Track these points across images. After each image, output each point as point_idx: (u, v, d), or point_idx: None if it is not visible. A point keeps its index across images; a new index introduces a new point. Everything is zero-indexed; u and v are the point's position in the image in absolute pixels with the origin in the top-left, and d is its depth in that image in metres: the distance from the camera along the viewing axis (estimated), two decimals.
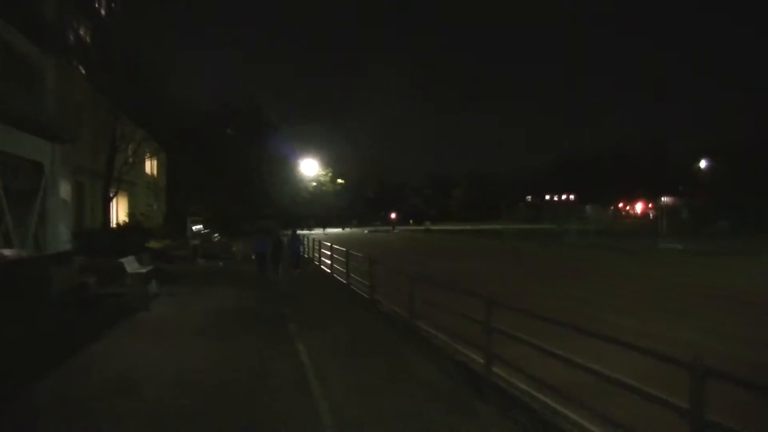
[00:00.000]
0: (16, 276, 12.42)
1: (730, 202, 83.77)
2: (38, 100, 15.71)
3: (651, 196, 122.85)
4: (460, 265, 26.21)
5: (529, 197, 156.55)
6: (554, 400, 6.21)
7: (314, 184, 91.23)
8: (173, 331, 11.16)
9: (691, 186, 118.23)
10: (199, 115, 57.61)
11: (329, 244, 22.34)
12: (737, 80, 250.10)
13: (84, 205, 24.91)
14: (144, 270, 17.99)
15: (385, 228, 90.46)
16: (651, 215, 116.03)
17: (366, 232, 78.57)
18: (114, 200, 27.12)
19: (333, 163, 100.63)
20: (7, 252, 13.75)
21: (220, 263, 26.36)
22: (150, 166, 39.76)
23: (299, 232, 28.33)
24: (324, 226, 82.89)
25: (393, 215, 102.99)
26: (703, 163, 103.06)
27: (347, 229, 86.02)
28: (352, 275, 16.75)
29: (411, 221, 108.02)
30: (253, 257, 23.47)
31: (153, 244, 25.75)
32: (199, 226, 32.66)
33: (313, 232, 64.95)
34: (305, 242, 30.08)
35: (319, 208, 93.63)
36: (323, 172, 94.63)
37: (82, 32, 23.96)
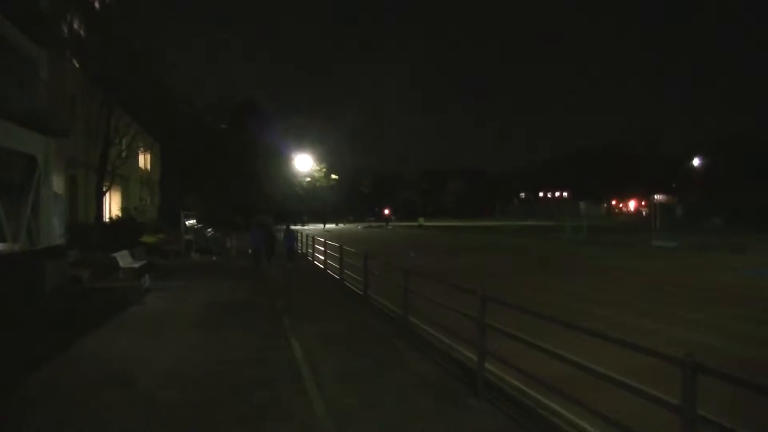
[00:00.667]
0: (9, 270, 12.37)
1: (723, 199, 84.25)
2: (31, 93, 15.62)
3: (644, 193, 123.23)
4: (456, 260, 26.25)
5: (522, 194, 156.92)
6: (546, 395, 6.24)
7: (308, 179, 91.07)
8: (166, 324, 11.16)
9: (684, 183, 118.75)
10: (194, 108, 57.49)
11: (323, 239, 22.34)
12: (729, 74, 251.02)
13: (77, 198, 24.81)
14: (137, 264, 17.95)
15: (378, 224, 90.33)
16: (644, 212, 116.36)
17: (360, 228, 78.47)
18: (107, 194, 27.03)
19: (327, 158, 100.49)
20: None
21: (214, 258, 26.35)
22: (144, 160, 39.63)
23: (293, 227, 28.53)
24: (324, 222, 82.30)
25: (387, 211, 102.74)
26: (696, 161, 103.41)
27: (340, 225, 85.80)
28: (346, 271, 16.78)
29: (392, 217, 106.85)
30: (249, 251, 23.99)
31: (146, 239, 25.69)
32: (193, 221, 32.56)
33: (307, 227, 64.85)
34: (299, 238, 30.18)
35: (313, 203, 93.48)
36: (317, 168, 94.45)
37: (75, 24, 23.82)
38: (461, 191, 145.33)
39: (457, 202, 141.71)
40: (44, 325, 11.39)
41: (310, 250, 25.84)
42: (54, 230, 16.42)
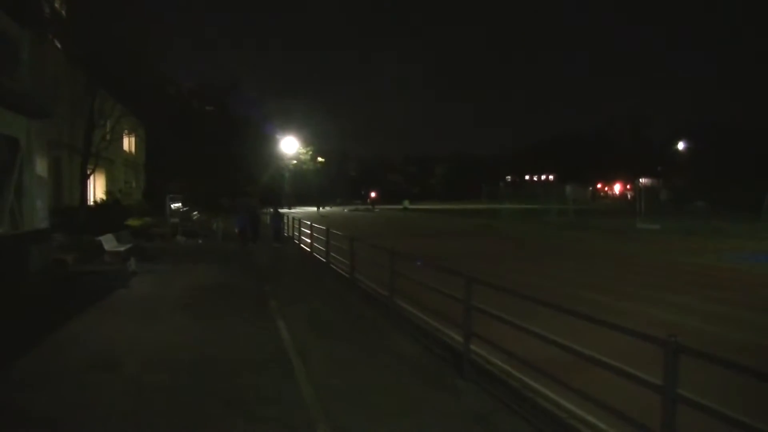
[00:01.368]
0: None
1: (707, 183, 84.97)
2: (13, 74, 15.41)
3: (629, 176, 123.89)
4: (441, 243, 26.35)
5: (508, 177, 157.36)
6: (531, 376, 6.31)
7: (294, 162, 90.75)
8: (153, 307, 11.14)
9: (669, 167, 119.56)
10: (180, 91, 57.04)
11: (309, 222, 22.34)
12: (713, 59, 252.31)
13: (62, 181, 24.62)
14: (123, 248, 17.87)
15: (365, 207, 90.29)
16: (629, 196, 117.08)
17: (346, 210, 78.43)
18: (92, 177, 26.83)
19: (314, 141, 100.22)
20: None
21: (200, 241, 26.28)
22: (128, 143, 39.33)
23: (280, 210, 28.95)
24: (318, 205, 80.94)
25: (373, 194, 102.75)
26: (681, 145, 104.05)
27: (327, 208, 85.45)
28: (332, 254, 16.80)
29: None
30: (237, 231, 25.57)
31: (132, 222, 25.54)
32: (179, 204, 32.40)
33: (293, 210, 64.72)
34: (285, 220, 30.33)
35: (300, 186, 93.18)
36: (303, 150, 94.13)
37: (57, 4, 23.49)
38: (448, 175, 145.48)
39: (443, 186, 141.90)
40: (28, 309, 11.33)
41: (297, 234, 25.81)
42: (38, 213, 16.26)
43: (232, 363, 7.48)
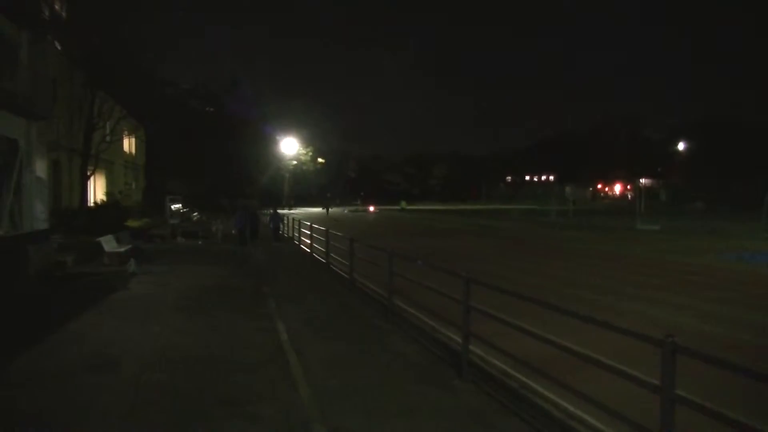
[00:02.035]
0: None
1: (705, 184, 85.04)
2: (12, 76, 15.44)
3: (629, 176, 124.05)
4: (439, 243, 26.36)
5: (509, 178, 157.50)
6: (530, 376, 6.31)
7: (294, 162, 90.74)
8: (152, 308, 11.13)
9: (668, 167, 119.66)
10: (180, 92, 57.10)
11: (309, 223, 22.36)
12: (714, 58, 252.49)
13: (61, 183, 24.62)
14: (122, 249, 17.87)
15: (364, 208, 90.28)
16: (629, 196, 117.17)
17: (346, 211, 78.41)
18: (92, 178, 26.85)
19: (314, 141, 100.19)
20: None
21: (200, 242, 26.27)
22: (128, 144, 39.34)
23: (280, 211, 29.36)
24: (327, 206, 76.71)
25: (371, 208, 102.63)
26: (680, 145, 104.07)
27: (332, 210, 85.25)
28: (332, 254, 16.80)
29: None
30: (233, 232, 26.04)
31: (131, 223, 25.58)
32: (178, 205, 32.42)
33: (294, 211, 64.71)
34: (284, 221, 30.58)
35: (300, 187, 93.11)
36: (304, 151, 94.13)
37: (57, 6, 23.50)
38: (447, 175, 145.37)
39: (442, 186, 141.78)
40: (28, 309, 11.33)
41: (297, 234, 25.84)
42: (37, 215, 16.29)
43: (230, 363, 7.48)
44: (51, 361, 7.65)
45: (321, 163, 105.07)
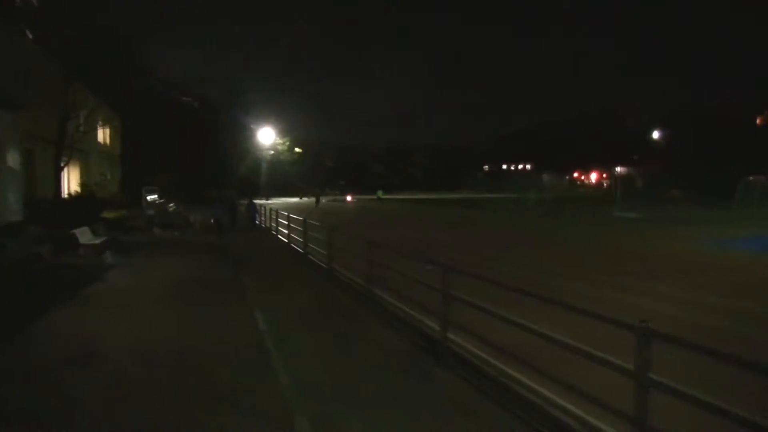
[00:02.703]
0: None
1: (682, 172, 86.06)
2: None
3: (606, 165, 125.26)
4: (420, 233, 26.42)
5: (486, 167, 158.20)
6: (509, 364, 6.36)
7: (271, 152, 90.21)
8: (129, 300, 11.04)
9: (645, 155, 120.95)
10: (156, 82, 56.41)
11: (286, 213, 22.29)
12: (687, 49, 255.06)
13: (35, 173, 24.25)
14: (98, 240, 17.66)
15: (342, 198, 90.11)
16: (605, 184, 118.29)
17: (324, 201, 78.22)
18: (66, 169, 26.48)
19: (292, 131, 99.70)
20: None
21: (177, 233, 26.07)
22: (104, 135, 38.81)
23: (255, 201, 29.83)
24: (317, 196, 73.07)
25: (349, 197, 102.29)
26: (656, 134, 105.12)
27: (304, 199, 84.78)
28: (310, 244, 16.77)
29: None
30: (211, 221, 27.13)
31: (108, 215, 25.24)
32: (155, 196, 32.11)
33: (271, 201, 64.35)
34: (261, 211, 30.63)
35: (278, 176, 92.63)
36: (280, 141, 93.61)
37: None
38: (427, 164, 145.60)
39: (422, 176, 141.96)
40: (2, 303, 11.17)
41: (274, 224, 25.75)
42: (11, 206, 16.07)
43: (209, 354, 7.45)
44: (26, 355, 7.57)
45: (298, 152, 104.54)
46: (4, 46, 16.26)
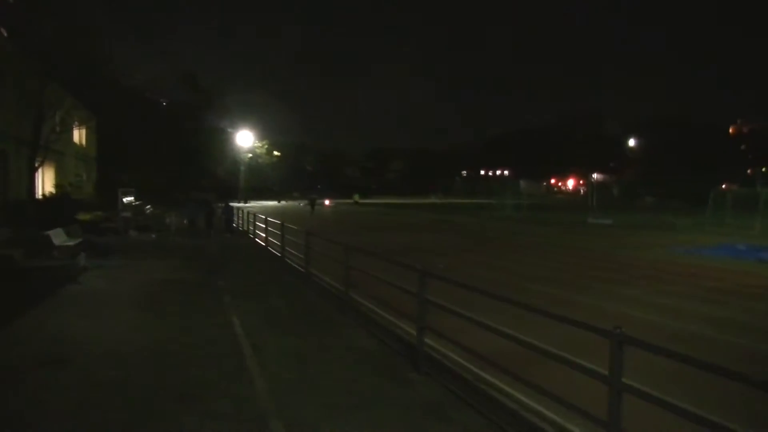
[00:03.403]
0: None
1: (656, 179, 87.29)
2: None
3: (582, 172, 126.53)
4: (397, 238, 26.47)
5: (464, 172, 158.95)
6: (485, 369, 6.40)
7: (250, 155, 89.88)
8: (103, 303, 10.92)
9: (621, 162, 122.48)
10: (134, 83, 55.96)
11: (264, 217, 22.22)
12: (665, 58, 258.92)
13: (8, 174, 23.93)
14: (73, 242, 17.46)
15: (321, 202, 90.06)
16: (582, 191, 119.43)
17: (302, 205, 78.05)
18: (40, 170, 26.15)
19: (271, 134, 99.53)
20: None
21: (153, 235, 25.84)
22: (79, 136, 38.39)
23: (232, 204, 30.11)
24: (312, 201, 69.21)
25: (327, 202, 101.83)
26: (632, 141, 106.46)
27: (282, 202, 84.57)
28: (287, 248, 16.72)
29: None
30: (185, 222, 27.53)
31: (83, 216, 24.97)
32: (131, 198, 31.79)
33: (249, 204, 64.00)
34: (239, 215, 30.61)
35: (255, 180, 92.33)
36: (259, 144, 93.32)
37: None
38: (405, 169, 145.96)
39: (401, 180, 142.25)
40: None
41: (252, 228, 25.65)
42: None
43: (184, 358, 7.40)
44: (0, 358, 7.47)
45: (277, 156, 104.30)
46: None
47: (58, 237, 17.10)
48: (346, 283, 10.18)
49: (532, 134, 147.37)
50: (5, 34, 23.15)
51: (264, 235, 21.02)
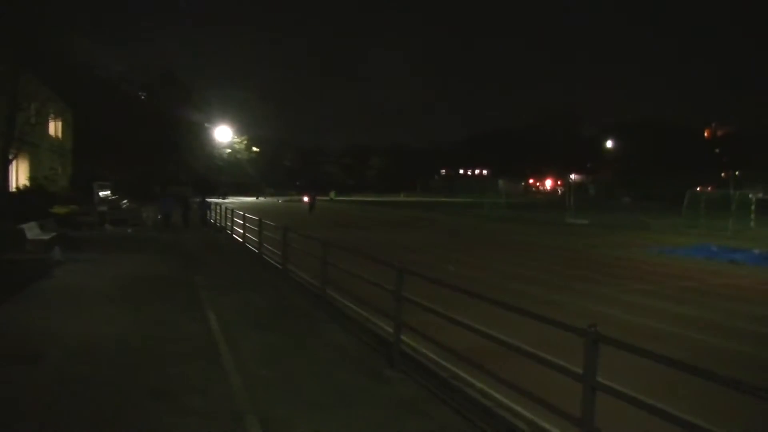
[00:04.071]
0: None
1: (632, 180, 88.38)
2: None
3: (560, 172, 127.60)
4: (375, 235, 26.47)
5: (443, 171, 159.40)
6: (460, 366, 6.43)
7: (229, 151, 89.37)
8: (78, 298, 10.80)
9: (599, 163, 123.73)
10: (112, 76, 55.41)
11: (242, 213, 22.12)
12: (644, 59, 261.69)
13: None
14: (47, 236, 17.22)
15: (298, 198, 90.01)
16: (559, 191, 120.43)
17: (280, 201, 77.80)
18: (14, 162, 25.75)
19: (251, 130, 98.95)
20: None
21: (129, 230, 25.63)
22: (55, 128, 37.88)
23: (213, 200, 30.23)
24: (311, 198, 63.41)
25: (306, 198, 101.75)
26: (609, 142, 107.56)
27: (261, 198, 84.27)
28: (265, 244, 16.65)
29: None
30: (159, 217, 27.63)
31: (57, 210, 24.65)
32: (107, 192, 31.45)
33: (227, 200, 63.64)
34: (217, 210, 30.63)
35: (234, 175, 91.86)
36: (238, 140, 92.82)
37: None
38: (384, 167, 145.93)
39: (379, 178, 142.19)
40: None
41: (229, 224, 25.50)
42: None
43: (159, 354, 7.34)
44: None
45: (256, 151, 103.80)
46: None
47: (31, 231, 16.86)
48: (322, 278, 10.17)
49: (511, 134, 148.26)
50: None
51: (241, 231, 20.91)
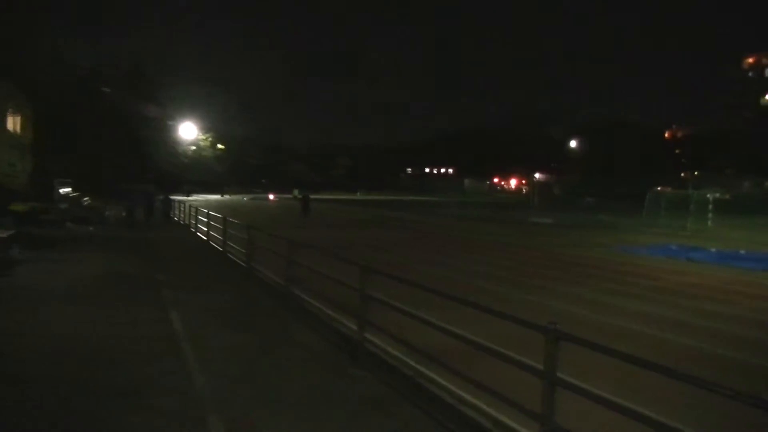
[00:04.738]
0: None
1: (596, 180, 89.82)
2: None
3: (525, 171, 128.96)
4: (344, 233, 26.47)
5: (409, 169, 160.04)
6: (425, 365, 6.47)
7: (193, 148, 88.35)
8: (37, 297, 10.59)
9: (563, 163, 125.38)
10: (75, 72, 54.38)
11: (206, 210, 21.93)
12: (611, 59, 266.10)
13: None
14: (5, 234, 16.85)
15: (264, 196, 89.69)
16: (524, 190, 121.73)
17: (245, 199, 77.32)
18: None
19: (217, 127, 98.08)
20: None
21: (91, 228, 25.20)
22: (13, 123, 37.02)
23: (177, 197, 30.59)
24: (304, 201, 58.82)
25: (271, 196, 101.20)
26: (573, 143, 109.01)
27: (226, 196, 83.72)
28: (229, 242, 16.54)
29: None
30: (123, 215, 27.87)
31: (16, 207, 24.13)
32: (69, 189, 30.92)
33: (192, 198, 62.96)
34: (181, 207, 30.72)
35: (199, 173, 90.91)
36: (203, 137, 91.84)
37: None
38: (351, 165, 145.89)
39: (347, 176, 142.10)
40: None
41: (194, 221, 25.26)
42: None
43: (123, 354, 7.24)
44: None
45: (221, 149, 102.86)
46: None
47: None
48: (288, 277, 10.14)
49: (478, 133, 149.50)
50: None
51: (206, 229, 20.73)
